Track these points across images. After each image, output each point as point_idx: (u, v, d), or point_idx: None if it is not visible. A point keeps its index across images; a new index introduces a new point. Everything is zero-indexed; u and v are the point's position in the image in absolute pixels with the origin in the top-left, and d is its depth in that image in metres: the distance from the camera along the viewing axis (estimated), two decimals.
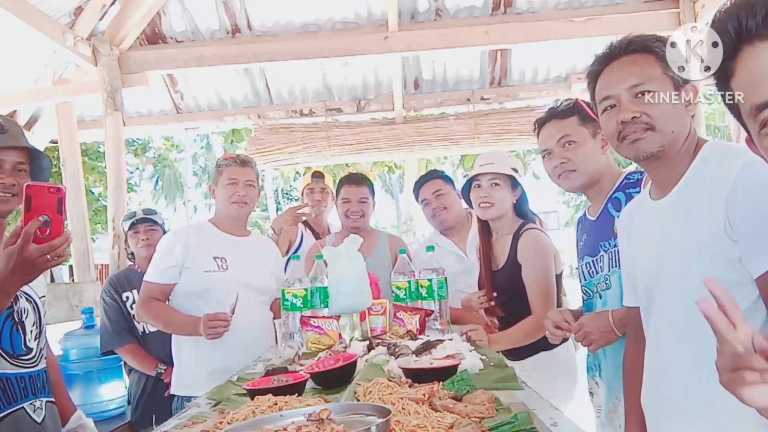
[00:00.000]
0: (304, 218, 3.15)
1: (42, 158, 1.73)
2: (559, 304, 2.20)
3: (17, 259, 1.24)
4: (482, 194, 2.25)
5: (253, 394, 1.24)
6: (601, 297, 1.77)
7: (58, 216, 1.29)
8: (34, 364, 1.65)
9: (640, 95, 1.26)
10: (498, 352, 2.31)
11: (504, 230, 2.28)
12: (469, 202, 2.37)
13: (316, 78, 4.64)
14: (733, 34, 0.77)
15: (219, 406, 1.29)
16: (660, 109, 1.24)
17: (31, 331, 1.65)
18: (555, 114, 1.86)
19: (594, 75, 1.35)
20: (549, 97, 4.79)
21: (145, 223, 2.95)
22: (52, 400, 1.71)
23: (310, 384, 1.39)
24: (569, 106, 1.85)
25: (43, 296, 1.76)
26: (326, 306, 2.07)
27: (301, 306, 2.02)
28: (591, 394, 1.91)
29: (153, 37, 4.10)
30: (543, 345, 2.12)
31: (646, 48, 1.28)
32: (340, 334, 1.96)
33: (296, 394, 1.23)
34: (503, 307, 2.28)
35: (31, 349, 1.64)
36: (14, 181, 1.62)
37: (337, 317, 1.99)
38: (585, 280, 1.84)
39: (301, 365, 1.61)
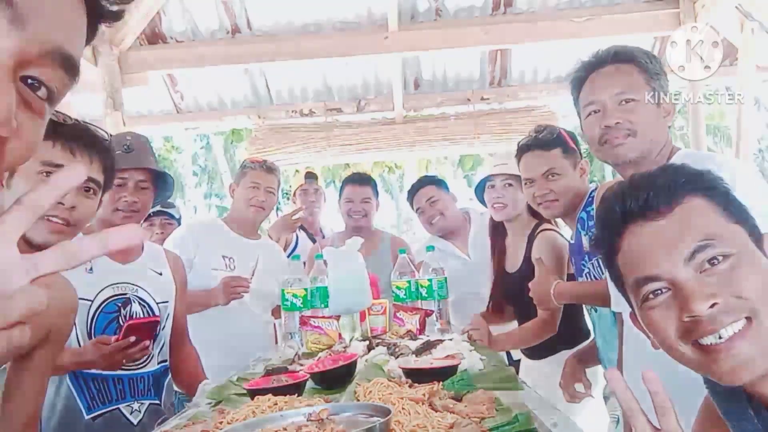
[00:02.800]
0: (299, 224, 3.14)
1: (165, 176, 1.86)
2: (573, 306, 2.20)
3: (99, 360, 1.52)
4: (495, 195, 2.26)
5: (253, 394, 1.24)
6: (596, 311, 1.83)
7: (149, 335, 1.63)
8: (139, 366, 1.69)
9: (623, 102, 1.32)
10: (510, 351, 2.33)
11: (518, 231, 2.27)
12: (483, 203, 2.38)
13: (316, 78, 4.63)
14: (620, 213, 0.84)
15: (219, 406, 1.30)
16: (641, 117, 1.30)
17: None
18: (539, 144, 1.92)
19: (579, 81, 1.42)
20: (549, 97, 4.79)
21: (162, 216, 2.93)
22: (157, 403, 1.74)
23: (310, 384, 1.39)
24: (553, 137, 1.91)
25: (165, 301, 1.81)
26: (326, 306, 2.07)
27: (301, 306, 2.03)
28: (605, 398, 1.92)
29: (153, 37, 4.09)
30: (565, 342, 2.12)
31: (632, 58, 1.35)
32: (340, 334, 1.96)
33: (296, 394, 1.24)
34: (521, 308, 2.28)
35: None
36: (136, 198, 1.75)
37: (337, 317, 1.99)
38: None
39: (301, 365, 1.61)
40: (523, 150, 1.98)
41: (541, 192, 1.88)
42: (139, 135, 1.86)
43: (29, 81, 0.51)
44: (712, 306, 0.74)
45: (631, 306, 0.88)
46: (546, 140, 1.92)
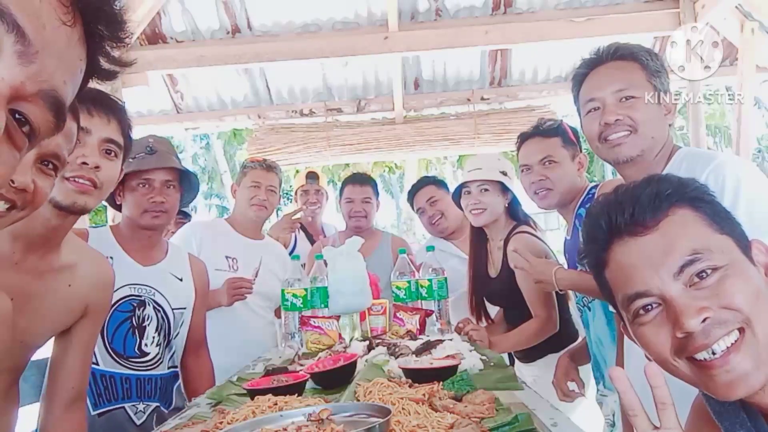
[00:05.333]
0: (298, 224, 3.14)
1: (189, 175, 1.86)
2: (563, 303, 2.19)
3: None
4: (472, 201, 2.23)
5: (253, 394, 1.24)
6: (590, 309, 1.82)
7: None
8: (148, 368, 1.70)
9: (624, 99, 1.31)
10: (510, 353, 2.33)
11: (499, 235, 2.26)
12: (461, 208, 2.36)
13: (316, 78, 4.63)
14: (606, 229, 0.83)
15: (219, 406, 1.29)
16: (642, 114, 1.29)
17: (154, 337, 1.71)
18: (539, 132, 1.92)
19: (580, 78, 1.40)
20: (549, 97, 4.79)
21: (177, 216, 2.94)
22: (162, 407, 1.74)
23: (310, 384, 1.39)
24: (553, 126, 1.91)
25: (181, 308, 1.82)
26: (326, 306, 2.07)
27: (301, 306, 2.03)
28: (600, 404, 1.92)
29: (153, 37, 4.09)
30: (552, 347, 2.12)
31: (633, 55, 1.34)
32: (340, 334, 1.96)
33: (296, 394, 1.23)
34: (508, 313, 2.28)
35: (147, 354, 1.70)
36: (163, 198, 1.74)
37: (337, 317, 1.99)
38: (576, 297, 1.88)
39: (301, 365, 1.61)
40: (523, 138, 1.97)
41: (537, 178, 1.86)
42: (160, 137, 1.88)
43: (17, 116, 0.51)
44: (704, 320, 0.74)
45: (622, 319, 0.87)
46: (546, 129, 1.92)
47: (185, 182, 1.85)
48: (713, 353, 0.74)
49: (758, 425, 0.78)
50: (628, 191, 0.84)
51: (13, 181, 0.82)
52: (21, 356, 1.16)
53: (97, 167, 1.21)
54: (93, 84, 0.63)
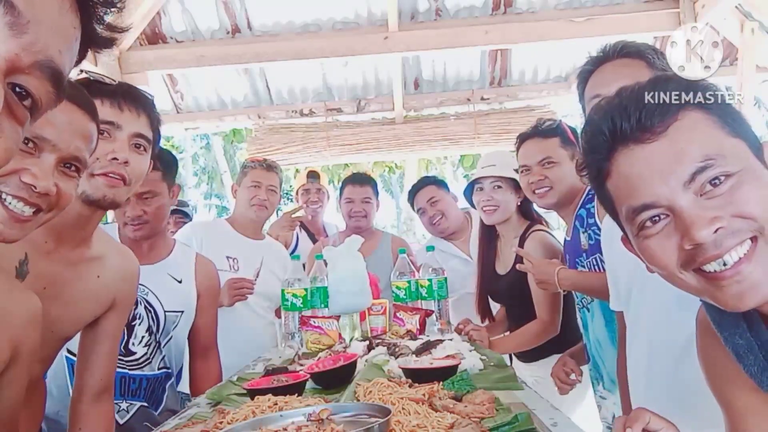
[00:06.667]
0: (298, 223, 3.14)
1: (163, 153, 1.73)
2: (571, 305, 2.19)
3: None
4: (485, 198, 2.23)
5: (253, 394, 1.24)
6: (589, 310, 1.82)
7: None
8: (134, 367, 1.68)
9: None
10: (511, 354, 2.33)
11: (511, 233, 2.26)
12: (472, 205, 2.36)
13: (316, 78, 4.63)
14: (608, 136, 0.76)
15: (219, 406, 1.30)
16: None
17: (143, 337, 1.69)
18: (538, 132, 1.92)
19: (585, 75, 1.40)
20: (549, 97, 4.79)
21: (176, 215, 2.94)
22: (149, 406, 1.71)
23: (310, 384, 1.39)
24: (552, 126, 1.91)
25: (177, 311, 1.78)
26: (326, 306, 2.07)
27: (301, 306, 2.03)
28: (599, 407, 1.92)
29: (153, 37, 4.09)
30: (554, 348, 2.12)
31: (639, 53, 1.34)
32: (340, 334, 1.96)
33: (296, 394, 1.24)
34: (511, 312, 2.27)
35: (134, 353, 1.68)
36: (140, 212, 1.71)
37: (337, 317, 1.99)
38: (576, 297, 1.88)
39: (301, 365, 1.61)
40: (522, 139, 1.98)
41: (536, 178, 1.87)
42: None
43: (17, 89, 0.51)
44: (716, 231, 0.69)
45: (624, 232, 0.82)
46: (545, 129, 1.92)
47: (164, 163, 1.77)
48: (724, 264, 0.69)
49: (759, 334, 0.74)
50: (633, 93, 0.76)
51: (35, 187, 0.84)
52: (51, 347, 1.17)
53: (126, 162, 1.21)
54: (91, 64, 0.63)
